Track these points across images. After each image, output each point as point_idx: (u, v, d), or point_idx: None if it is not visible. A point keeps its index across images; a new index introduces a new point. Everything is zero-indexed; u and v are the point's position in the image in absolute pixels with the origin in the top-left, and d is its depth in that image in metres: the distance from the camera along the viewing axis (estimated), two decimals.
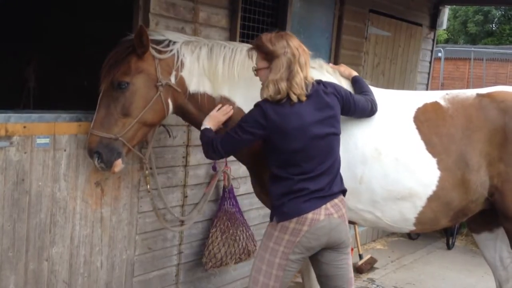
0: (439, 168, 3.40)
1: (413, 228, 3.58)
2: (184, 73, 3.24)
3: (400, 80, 6.84)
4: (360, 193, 3.42)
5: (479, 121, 3.45)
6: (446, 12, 7.49)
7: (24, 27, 6.65)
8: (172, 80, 3.21)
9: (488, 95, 3.55)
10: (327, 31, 5.40)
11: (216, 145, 3.02)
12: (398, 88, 6.50)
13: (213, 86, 3.28)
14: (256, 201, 3.86)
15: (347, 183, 3.14)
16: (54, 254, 3.36)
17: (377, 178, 3.39)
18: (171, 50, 3.19)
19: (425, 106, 3.55)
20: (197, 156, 4.16)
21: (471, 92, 3.64)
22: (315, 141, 2.89)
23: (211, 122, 3.19)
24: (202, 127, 3.18)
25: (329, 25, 5.40)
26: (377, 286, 5.60)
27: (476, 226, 4.02)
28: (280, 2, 4.71)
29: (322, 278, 3.09)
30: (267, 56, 2.88)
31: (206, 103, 3.28)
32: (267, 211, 3.10)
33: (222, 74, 3.25)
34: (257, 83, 3.08)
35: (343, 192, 3.06)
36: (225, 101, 3.28)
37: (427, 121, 3.48)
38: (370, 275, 5.87)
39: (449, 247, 7.10)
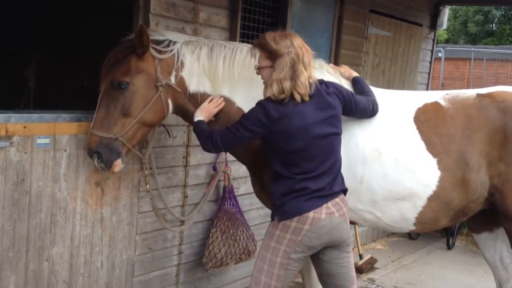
0: (439, 168, 3.40)
1: (413, 228, 3.58)
2: (184, 73, 3.24)
3: (400, 80, 6.84)
4: (360, 193, 3.42)
5: (479, 121, 3.45)
6: (446, 12, 7.49)
7: (24, 27, 6.65)
8: (172, 80, 3.21)
9: (488, 95, 3.55)
10: (327, 31, 5.40)
11: (216, 140, 3.02)
12: (398, 88, 6.50)
13: (213, 86, 3.28)
14: (256, 201, 3.86)
15: (347, 183, 3.14)
16: (54, 254, 3.36)
17: (377, 178, 3.39)
18: (171, 50, 3.19)
19: (425, 106, 3.55)
20: (197, 156, 4.16)
21: (471, 92, 3.64)
22: (316, 140, 2.89)
23: (203, 113, 3.20)
24: (195, 119, 3.18)
25: (329, 25, 5.40)
26: (377, 286, 5.60)
27: (476, 226, 4.02)
28: (280, 2, 4.71)
29: (324, 277, 3.09)
30: (271, 55, 2.88)
31: None
32: (267, 211, 3.10)
33: (222, 74, 3.25)
34: (257, 83, 3.08)
35: (344, 191, 3.06)
36: (225, 101, 3.28)
37: (427, 121, 3.48)
38: (370, 275, 5.87)
39: (449, 247, 7.10)
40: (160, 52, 3.16)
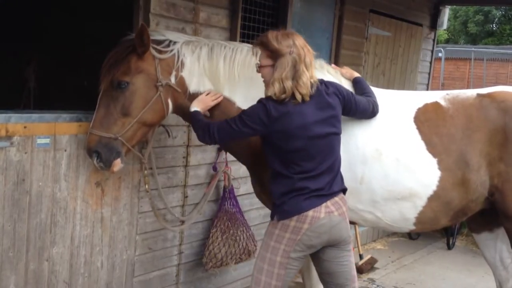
0: (439, 168, 3.40)
1: (413, 227, 3.58)
2: (185, 73, 3.23)
3: (400, 80, 6.84)
4: (361, 193, 3.42)
5: (480, 121, 3.45)
6: (446, 12, 7.49)
7: (24, 27, 6.65)
8: (172, 80, 3.21)
9: (488, 95, 3.55)
10: (327, 31, 5.40)
11: (213, 131, 3.02)
12: (398, 88, 6.50)
13: (213, 86, 3.28)
14: (256, 201, 3.86)
15: (347, 183, 3.14)
16: (54, 254, 3.36)
17: (377, 178, 3.39)
18: (171, 50, 3.19)
19: (426, 106, 3.55)
20: (198, 156, 4.16)
21: (471, 92, 3.63)
22: (316, 140, 2.89)
23: (199, 105, 3.20)
24: (191, 109, 3.18)
25: (329, 25, 5.40)
26: (378, 286, 5.60)
27: (476, 226, 4.02)
28: (280, 2, 4.71)
29: (324, 276, 3.09)
30: (272, 54, 2.87)
31: None
32: (268, 211, 3.11)
33: (223, 74, 3.25)
34: (257, 83, 3.08)
35: (344, 191, 3.06)
36: (226, 101, 3.28)
37: (428, 121, 3.48)
38: (371, 275, 5.87)
39: (449, 247, 7.09)
40: (160, 52, 3.16)
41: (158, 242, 4.00)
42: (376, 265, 6.07)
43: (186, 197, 4.14)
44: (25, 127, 3.10)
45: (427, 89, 7.48)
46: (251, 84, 3.24)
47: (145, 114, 3.15)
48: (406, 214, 3.47)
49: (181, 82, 3.24)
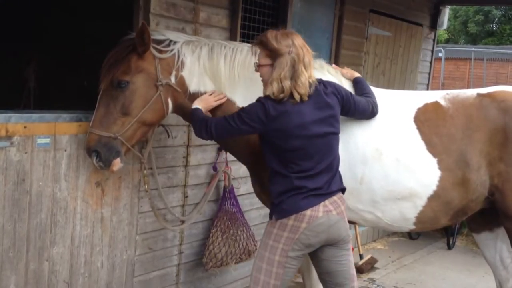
0: (439, 168, 3.40)
1: (413, 227, 3.58)
2: (185, 73, 3.24)
3: (400, 80, 6.84)
4: (361, 194, 3.42)
5: (480, 120, 3.45)
6: (446, 12, 7.49)
7: (24, 27, 6.65)
8: (172, 79, 3.21)
9: (488, 95, 3.55)
10: (327, 31, 5.40)
11: (210, 126, 3.03)
12: (398, 88, 6.50)
13: (213, 86, 3.28)
14: (256, 201, 3.86)
15: (347, 184, 3.14)
16: (54, 254, 3.36)
17: (377, 178, 3.39)
18: (171, 50, 3.19)
19: (426, 106, 3.55)
20: (198, 156, 4.16)
21: (471, 92, 3.64)
22: (314, 140, 2.89)
23: (201, 103, 3.20)
24: (193, 107, 3.18)
25: (329, 25, 5.40)
26: (378, 286, 5.60)
27: (476, 226, 4.02)
28: (280, 2, 4.71)
29: (323, 275, 3.09)
30: (271, 53, 2.87)
31: None
32: (268, 211, 3.11)
33: (223, 74, 3.25)
34: (257, 83, 3.08)
35: (342, 190, 3.06)
36: (227, 101, 3.28)
37: (428, 121, 3.48)
38: (371, 275, 5.87)
39: (449, 247, 7.09)
40: (160, 51, 3.16)
41: (158, 242, 4.00)
42: (376, 265, 6.07)
43: (186, 197, 4.14)
44: (25, 127, 3.10)
45: (427, 89, 7.48)
46: (251, 84, 3.24)
47: (145, 113, 3.15)
48: (406, 214, 3.47)
49: (181, 81, 3.24)
